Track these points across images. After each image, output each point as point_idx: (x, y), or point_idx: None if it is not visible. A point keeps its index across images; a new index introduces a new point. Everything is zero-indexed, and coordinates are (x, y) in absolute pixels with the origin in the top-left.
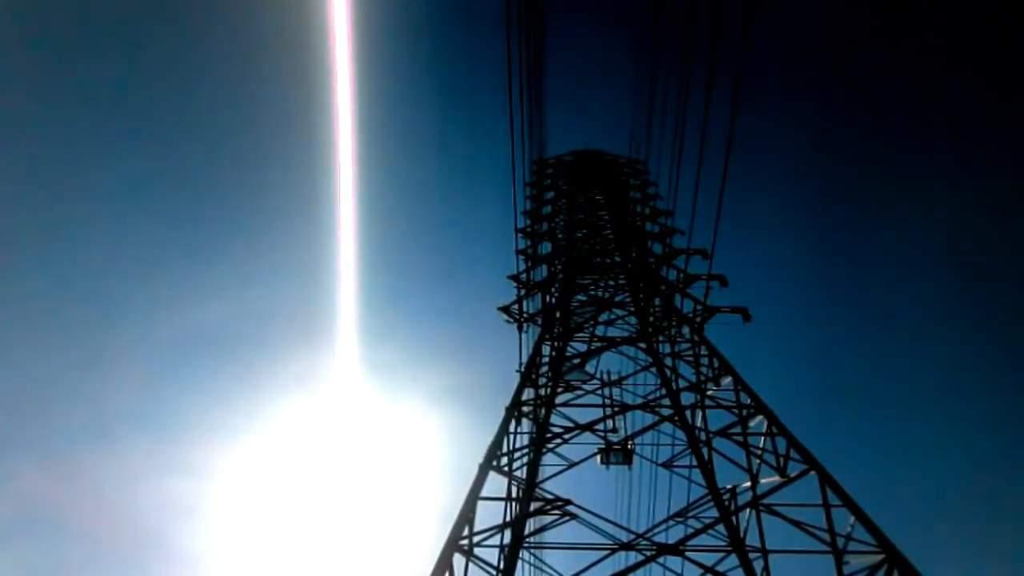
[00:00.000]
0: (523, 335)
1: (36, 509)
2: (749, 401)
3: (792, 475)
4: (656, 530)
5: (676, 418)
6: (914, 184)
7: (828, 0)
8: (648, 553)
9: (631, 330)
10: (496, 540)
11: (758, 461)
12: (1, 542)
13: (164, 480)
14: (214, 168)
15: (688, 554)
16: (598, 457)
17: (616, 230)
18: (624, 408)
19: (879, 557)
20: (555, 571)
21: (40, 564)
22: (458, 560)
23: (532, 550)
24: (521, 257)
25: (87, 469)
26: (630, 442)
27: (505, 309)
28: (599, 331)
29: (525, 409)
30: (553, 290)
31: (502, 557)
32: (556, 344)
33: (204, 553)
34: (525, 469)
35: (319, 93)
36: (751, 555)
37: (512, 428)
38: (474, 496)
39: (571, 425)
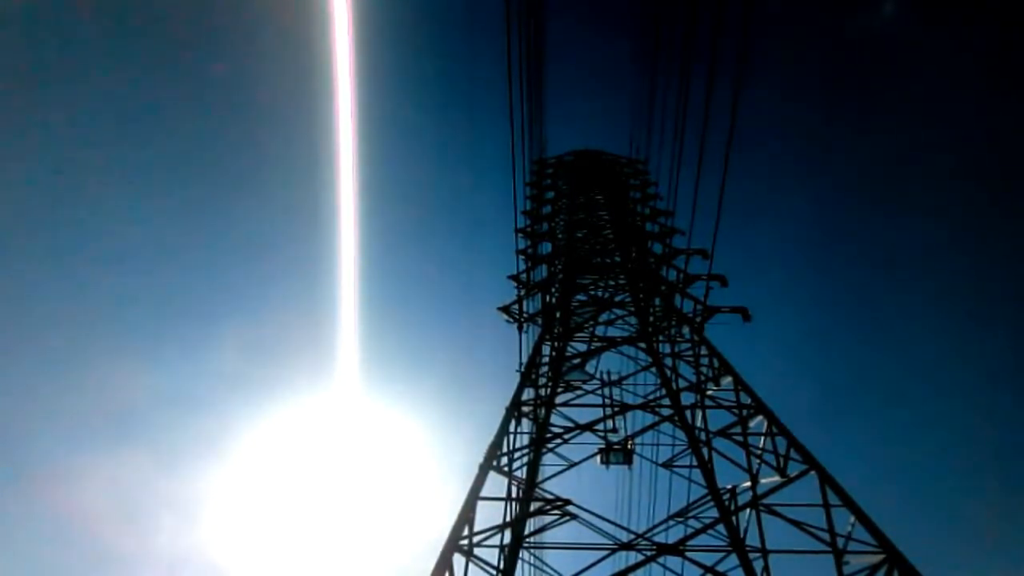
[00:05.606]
0: (523, 335)
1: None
2: (749, 401)
3: (792, 475)
4: (656, 530)
5: (676, 418)
6: (915, 182)
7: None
8: (648, 553)
9: (631, 330)
10: (496, 540)
11: (758, 461)
12: None
13: (162, 482)
14: (213, 169)
15: (688, 554)
16: (598, 457)
17: (616, 230)
18: (624, 408)
19: (879, 557)
20: (555, 571)
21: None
22: (458, 560)
23: (532, 550)
24: (521, 257)
25: (84, 469)
26: (630, 442)
27: (505, 309)
28: (599, 331)
29: (525, 409)
30: (553, 290)
31: (502, 557)
32: (556, 344)
33: (201, 553)
34: (525, 469)
35: (319, 93)
36: (751, 555)
37: (512, 428)
38: (474, 496)
39: (571, 425)
